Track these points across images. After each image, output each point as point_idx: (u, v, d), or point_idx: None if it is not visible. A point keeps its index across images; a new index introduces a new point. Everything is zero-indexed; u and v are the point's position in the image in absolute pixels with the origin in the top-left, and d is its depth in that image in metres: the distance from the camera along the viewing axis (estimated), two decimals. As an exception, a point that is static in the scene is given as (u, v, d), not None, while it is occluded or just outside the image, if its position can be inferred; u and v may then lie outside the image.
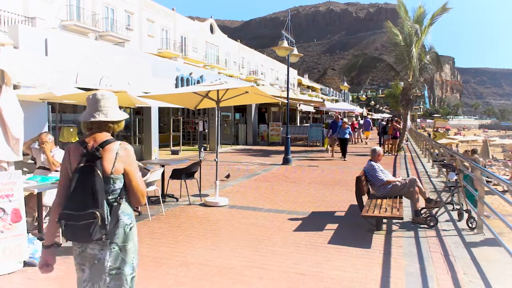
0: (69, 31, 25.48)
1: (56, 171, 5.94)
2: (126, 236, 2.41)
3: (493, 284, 4.07)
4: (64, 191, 2.36)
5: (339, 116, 19.80)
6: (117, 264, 2.37)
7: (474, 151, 13.18)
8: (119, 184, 2.41)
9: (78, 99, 8.69)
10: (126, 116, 2.62)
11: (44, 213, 5.71)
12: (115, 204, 2.36)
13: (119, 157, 2.38)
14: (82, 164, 2.31)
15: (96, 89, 8.17)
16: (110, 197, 2.36)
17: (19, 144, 4.56)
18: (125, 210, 2.43)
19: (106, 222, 2.27)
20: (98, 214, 2.22)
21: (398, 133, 19.77)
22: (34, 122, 8.85)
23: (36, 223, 5.43)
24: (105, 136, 2.44)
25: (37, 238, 4.72)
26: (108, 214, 2.30)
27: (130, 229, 2.43)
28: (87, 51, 11.65)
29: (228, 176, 9.96)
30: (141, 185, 2.48)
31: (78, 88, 9.20)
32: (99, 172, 2.29)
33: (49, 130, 10.33)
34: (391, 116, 47.69)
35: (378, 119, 42.08)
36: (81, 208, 2.23)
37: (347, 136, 16.60)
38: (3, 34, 9.48)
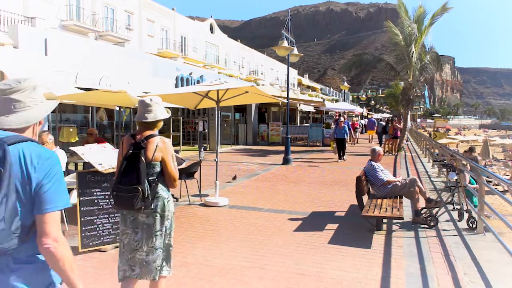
0: (69, 31, 25.46)
1: None
2: (165, 206, 3.16)
3: (494, 284, 4.06)
4: (118, 171, 3.14)
5: (341, 118, 19.28)
6: (160, 227, 3.14)
7: (471, 149, 13.09)
8: (157, 169, 3.16)
9: (78, 99, 8.68)
10: (168, 115, 3.37)
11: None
12: (153, 184, 3.10)
13: (158, 148, 3.14)
14: (130, 151, 3.12)
15: (95, 89, 8.18)
16: (150, 178, 3.11)
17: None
18: (164, 188, 3.19)
19: (146, 196, 3.02)
20: (140, 189, 2.99)
21: (398, 132, 19.73)
22: (34, 122, 8.84)
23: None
24: (149, 131, 3.22)
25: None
26: (148, 190, 3.04)
27: (168, 201, 3.20)
28: (87, 51, 11.65)
29: (235, 178, 9.92)
30: (174, 171, 3.24)
31: (78, 88, 9.19)
32: (143, 158, 3.07)
33: (49, 130, 10.33)
34: (391, 116, 47.72)
35: (377, 119, 42.10)
36: (128, 184, 3.01)
37: (345, 136, 16.22)
38: (3, 34, 9.47)
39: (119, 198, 3.06)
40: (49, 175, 1.67)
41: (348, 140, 17.75)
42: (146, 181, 3.04)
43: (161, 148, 3.14)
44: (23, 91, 1.80)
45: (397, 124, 20.07)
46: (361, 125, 34.41)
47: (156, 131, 3.29)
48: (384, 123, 22.66)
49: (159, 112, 3.25)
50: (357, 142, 26.35)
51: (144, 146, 3.09)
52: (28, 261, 1.66)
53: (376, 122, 29.15)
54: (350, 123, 22.66)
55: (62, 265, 1.68)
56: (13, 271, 1.62)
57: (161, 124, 3.34)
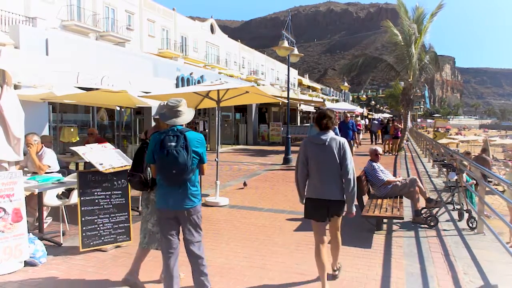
0: (70, 31, 25.49)
1: (47, 172, 5.79)
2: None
3: (494, 284, 4.07)
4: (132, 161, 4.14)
5: (348, 115, 17.98)
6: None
7: (484, 150, 13.17)
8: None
9: (79, 99, 8.70)
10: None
11: (45, 213, 5.72)
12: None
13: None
14: (139, 146, 4.05)
15: (96, 89, 8.19)
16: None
17: (20, 144, 4.56)
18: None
19: (146, 181, 3.88)
20: (142, 177, 3.88)
21: (399, 133, 19.73)
22: (35, 122, 8.85)
23: (37, 223, 5.44)
24: (156, 129, 3.84)
25: (38, 238, 4.72)
26: (149, 177, 3.87)
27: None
28: (87, 51, 11.66)
29: (245, 184, 9.72)
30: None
31: (79, 88, 9.21)
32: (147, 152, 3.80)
33: (49, 130, 10.34)
34: (391, 116, 47.65)
35: (376, 118, 41.99)
36: (135, 171, 3.92)
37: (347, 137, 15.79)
38: (4, 34, 9.48)
39: (130, 182, 3.99)
40: (203, 146, 3.47)
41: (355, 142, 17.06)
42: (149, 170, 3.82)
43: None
44: (182, 106, 3.51)
45: (398, 124, 20.06)
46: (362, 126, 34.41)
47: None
48: (376, 122, 22.41)
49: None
50: (360, 144, 23.99)
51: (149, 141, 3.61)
52: (192, 184, 3.44)
53: (377, 122, 29.15)
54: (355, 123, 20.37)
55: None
56: (189, 189, 3.40)
57: (163, 124, 3.69)
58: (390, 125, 20.48)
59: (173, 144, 3.27)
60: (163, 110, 3.63)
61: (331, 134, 3.86)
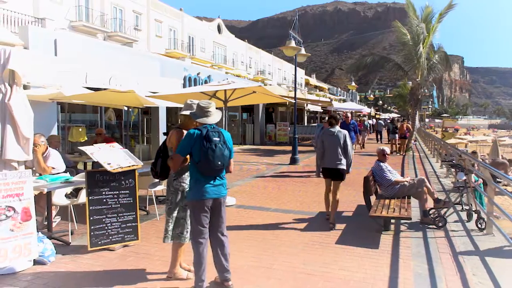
0: (78, 31, 25.67)
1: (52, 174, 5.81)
2: (175, 184, 4.15)
3: (503, 286, 4.03)
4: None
5: (348, 114, 17.00)
6: (174, 200, 4.16)
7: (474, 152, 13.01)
8: (171, 153, 4.11)
9: (87, 99, 8.76)
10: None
11: (54, 212, 5.76)
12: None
13: (167, 138, 4.19)
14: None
15: (104, 89, 8.23)
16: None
17: (29, 144, 4.60)
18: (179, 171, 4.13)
19: (158, 174, 4.22)
20: (154, 169, 4.25)
21: (407, 133, 19.63)
22: (43, 122, 8.92)
23: (46, 222, 5.48)
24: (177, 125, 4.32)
25: (47, 237, 4.76)
26: (159, 169, 4.21)
27: (175, 179, 4.14)
28: (95, 51, 11.73)
29: None
30: (169, 160, 3.98)
31: (87, 88, 9.26)
32: (165, 146, 4.24)
33: (58, 130, 10.41)
34: (399, 116, 47.32)
35: (384, 119, 41.70)
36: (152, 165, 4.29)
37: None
38: (14, 35, 9.56)
39: (151, 171, 4.29)
40: (231, 143, 3.82)
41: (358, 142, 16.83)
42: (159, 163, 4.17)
43: (168, 137, 4.13)
44: (212, 107, 3.84)
45: (408, 125, 19.97)
46: (368, 125, 34.25)
47: (184, 126, 4.11)
48: (382, 122, 22.19)
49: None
50: (362, 147, 22.35)
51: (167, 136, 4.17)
52: (223, 175, 3.88)
53: (383, 123, 29.07)
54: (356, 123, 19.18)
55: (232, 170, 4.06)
56: (223, 179, 3.88)
57: (190, 121, 4.05)
58: (395, 125, 20.41)
59: (218, 139, 3.65)
60: (190, 108, 4.01)
61: (337, 128, 6.44)
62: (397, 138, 19.90)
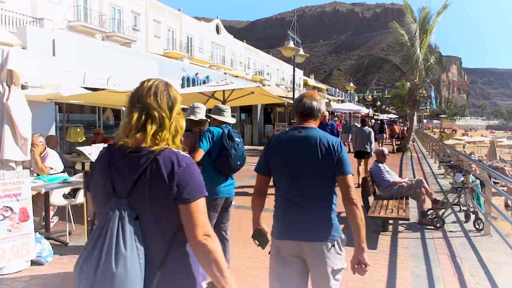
0: (76, 31, 25.62)
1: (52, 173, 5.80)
2: None
3: (501, 286, 4.04)
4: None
5: (326, 114, 15.51)
6: None
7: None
8: None
9: (85, 99, 8.74)
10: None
11: (51, 213, 5.75)
12: None
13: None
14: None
15: (103, 89, 8.22)
16: None
17: (27, 144, 4.59)
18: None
19: None
20: None
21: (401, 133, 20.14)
22: (41, 122, 8.91)
23: (44, 223, 5.47)
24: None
25: (44, 237, 4.75)
26: None
27: None
28: (94, 51, 11.72)
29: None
30: None
31: (85, 88, 9.25)
32: None
33: (56, 130, 10.40)
34: (389, 118, 47.47)
35: (383, 119, 41.88)
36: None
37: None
38: (12, 35, 9.54)
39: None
40: (242, 140, 3.89)
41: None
42: None
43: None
44: (227, 111, 3.93)
45: (397, 126, 20.56)
46: (352, 128, 34.28)
47: (198, 129, 4.33)
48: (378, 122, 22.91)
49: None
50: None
51: None
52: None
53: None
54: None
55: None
56: (233, 178, 3.96)
57: (204, 123, 4.28)
58: (383, 125, 21.07)
59: (239, 140, 3.76)
60: (193, 113, 4.18)
61: (366, 127, 9.97)
62: (384, 137, 20.39)
